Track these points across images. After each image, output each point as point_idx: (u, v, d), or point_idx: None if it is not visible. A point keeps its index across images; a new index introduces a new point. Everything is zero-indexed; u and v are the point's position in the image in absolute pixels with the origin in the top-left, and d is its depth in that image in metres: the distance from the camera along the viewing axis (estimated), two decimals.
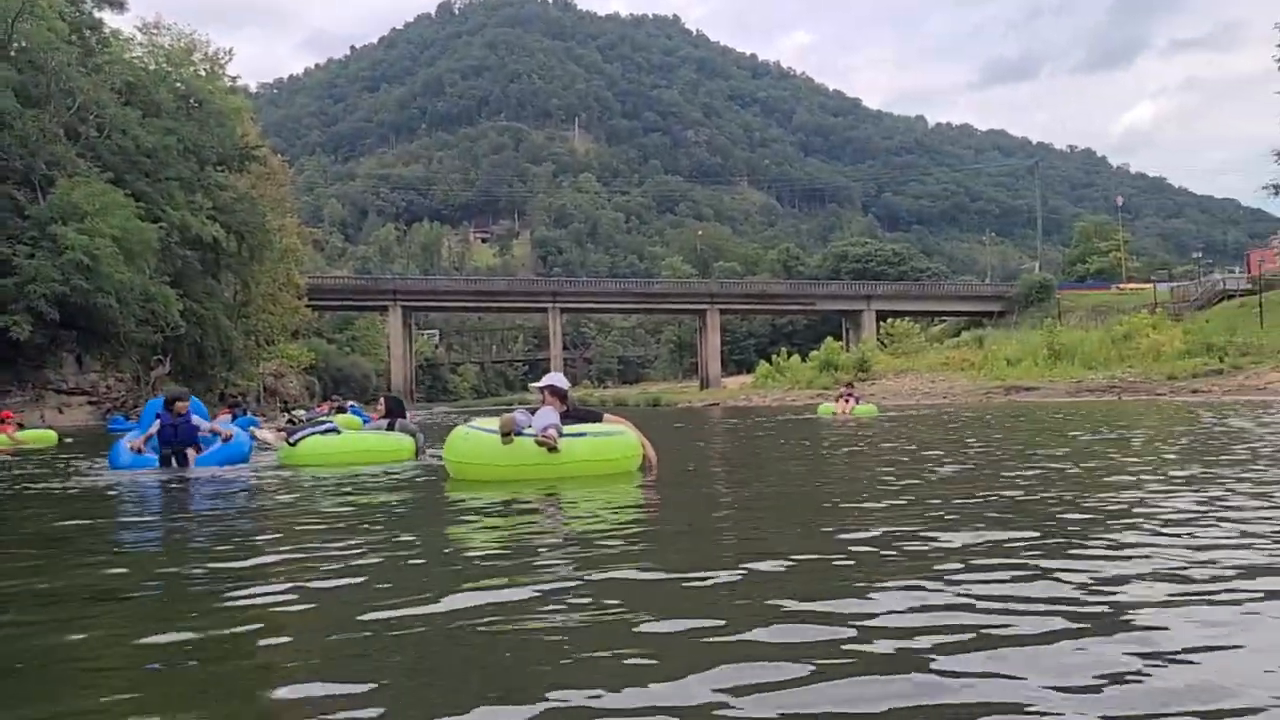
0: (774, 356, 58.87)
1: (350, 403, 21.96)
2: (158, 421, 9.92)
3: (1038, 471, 6.93)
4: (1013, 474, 6.86)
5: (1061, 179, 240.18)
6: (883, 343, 56.60)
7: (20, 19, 37.68)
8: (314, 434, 10.52)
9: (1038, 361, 38.28)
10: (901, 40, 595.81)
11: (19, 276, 32.90)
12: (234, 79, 58.16)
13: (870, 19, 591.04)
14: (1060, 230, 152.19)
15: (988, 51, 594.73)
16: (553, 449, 6.98)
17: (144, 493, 7.77)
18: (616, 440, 7.57)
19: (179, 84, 49.66)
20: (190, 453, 9.87)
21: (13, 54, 38.32)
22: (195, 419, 10.14)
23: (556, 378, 7.95)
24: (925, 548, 3.74)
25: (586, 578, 3.32)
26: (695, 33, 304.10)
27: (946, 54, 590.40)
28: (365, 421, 15.11)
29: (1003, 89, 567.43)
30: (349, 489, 7.42)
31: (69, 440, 19.74)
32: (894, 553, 3.66)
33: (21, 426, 24.04)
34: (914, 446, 10.58)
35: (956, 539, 3.89)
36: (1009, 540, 3.87)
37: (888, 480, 6.66)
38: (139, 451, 9.81)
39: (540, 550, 4.03)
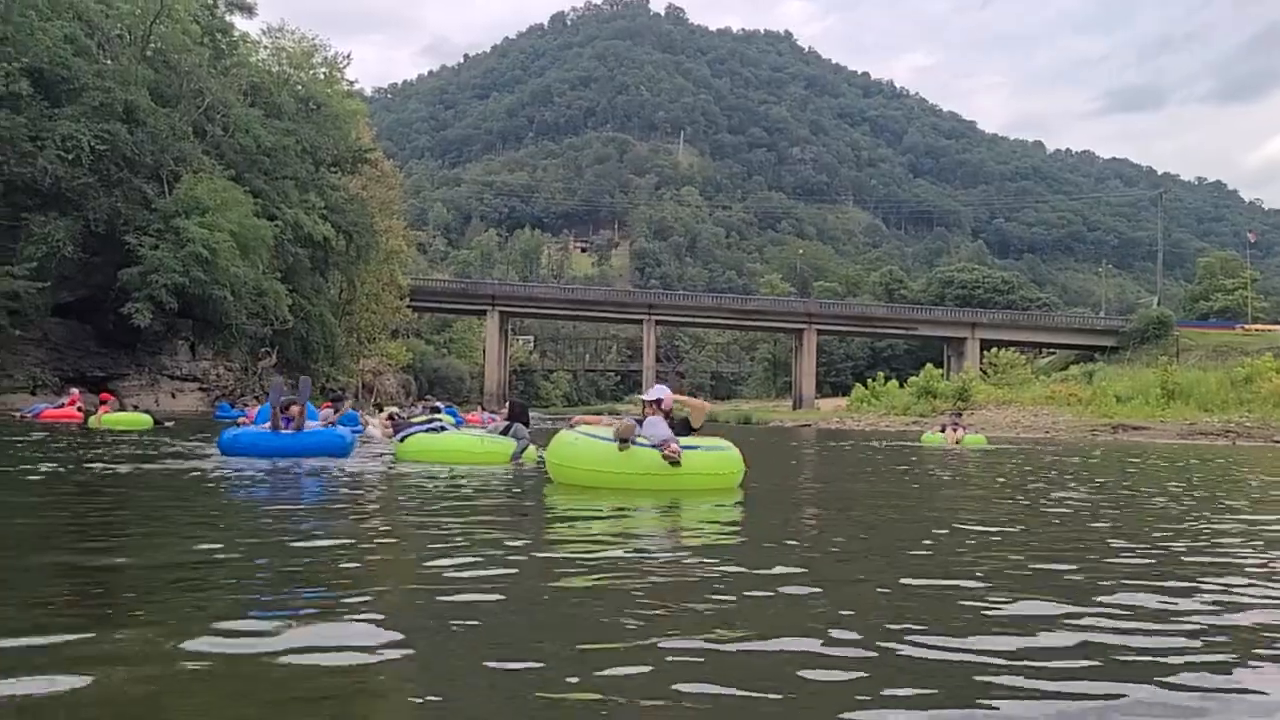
0: (870, 381, 57.75)
1: (444, 403, 22.34)
2: (269, 424, 10.55)
3: (1209, 520, 6.41)
4: (1182, 521, 6.37)
5: (1187, 211, 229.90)
6: (985, 372, 54.89)
7: (158, 21, 39.57)
8: (420, 431, 10.94)
9: (1149, 400, 36.55)
10: (1022, 65, 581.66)
11: (143, 266, 34.42)
12: (351, 83, 60.04)
13: (991, 43, 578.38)
14: (1183, 265, 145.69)
15: (1112, 78, 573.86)
16: (676, 463, 7.19)
17: (251, 475, 8.07)
18: (726, 456, 7.75)
19: (299, 86, 51.50)
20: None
21: (149, 54, 40.24)
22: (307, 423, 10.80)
23: (665, 391, 8.22)
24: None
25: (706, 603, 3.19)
26: (807, 49, 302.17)
27: (1069, 80, 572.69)
28: (458, 422, 15.36)
29: (1127, 117, 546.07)
30: (449, 487, 7.58)
31: (168, 424, 20.53)
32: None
33: (136, 408, 25.16)
34: (1053, 484, 9.76)
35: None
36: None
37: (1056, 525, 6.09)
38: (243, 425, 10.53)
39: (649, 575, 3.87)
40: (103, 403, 21.96)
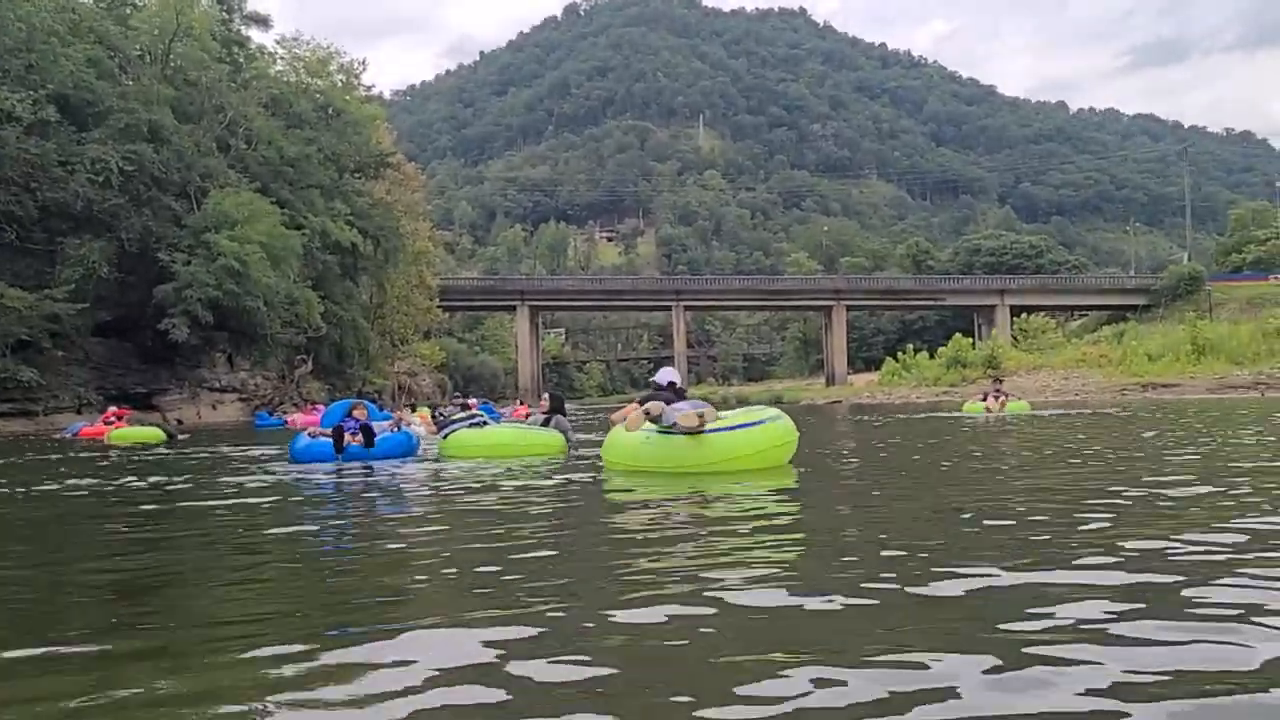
0: (900, 354, 57.54)
1: (477, 400, 22.81)
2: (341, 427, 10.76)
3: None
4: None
5: (1216, 164, 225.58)
6: (1016, 339, 54.56)
7: (176, 40, 40.25)
8: (462, 428, 11.22)
9: (1179, 357, 36.28)
10: (1043, 26, 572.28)
11: (177, 282, 35.12)
12: (369, 88, 60.52)
13: (1010, 6, 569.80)
14: (1215, 219, 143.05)
15: (1135, 34, 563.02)
16: (702, 423, 7.24)
17: (325, 482, 8.40)
18: (779, 425, 7.60)
19: (317, 94, 52.04)
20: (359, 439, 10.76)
21: (169, 73, 40.95)
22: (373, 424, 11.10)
23: (674, 373, 8.57)
24: None
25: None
26: (822, 24, 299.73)
27: (1091, 38, 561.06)
28: (494, 416, 15.70)
29: (1151, 72, 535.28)
30: (506, 484, 7.56)
31: (182, 437, 20.36)
32: None
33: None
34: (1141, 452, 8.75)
35: None
36: None
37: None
38: (314, 436, 10.88)
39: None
40: (118, 418, 21.69)
